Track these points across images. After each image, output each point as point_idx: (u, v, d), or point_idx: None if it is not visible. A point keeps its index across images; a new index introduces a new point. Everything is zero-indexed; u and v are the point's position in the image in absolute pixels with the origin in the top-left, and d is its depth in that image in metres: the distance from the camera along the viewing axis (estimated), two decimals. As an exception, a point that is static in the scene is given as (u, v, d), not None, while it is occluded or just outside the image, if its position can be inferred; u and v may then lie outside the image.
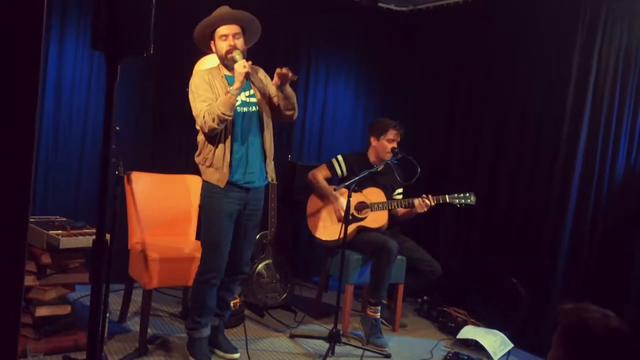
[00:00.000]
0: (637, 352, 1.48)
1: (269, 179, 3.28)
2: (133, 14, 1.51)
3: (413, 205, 3.93)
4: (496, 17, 4.63)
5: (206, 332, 3.17)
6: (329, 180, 4.15)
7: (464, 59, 4.94)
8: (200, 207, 3.18)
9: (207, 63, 3.75)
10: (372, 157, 4.13)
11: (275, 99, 3.21)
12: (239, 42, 3.09)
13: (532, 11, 4.32)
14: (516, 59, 4.44)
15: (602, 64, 3.86)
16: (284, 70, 3.06)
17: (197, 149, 3.16)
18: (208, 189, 3.11)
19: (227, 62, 3.10)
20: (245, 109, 3.10)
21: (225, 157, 3.04)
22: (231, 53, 3.05)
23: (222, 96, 2.98)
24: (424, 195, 3.93)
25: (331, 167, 4.11)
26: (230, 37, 3.07)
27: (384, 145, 4.04)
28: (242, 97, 3.11)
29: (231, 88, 2.96)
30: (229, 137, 3.05)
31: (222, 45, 3.08)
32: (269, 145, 3.22)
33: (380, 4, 5.19)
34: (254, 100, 3.15)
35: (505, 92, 4.53)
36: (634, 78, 3.77)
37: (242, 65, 2.95)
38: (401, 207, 4.00)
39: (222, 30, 3.07)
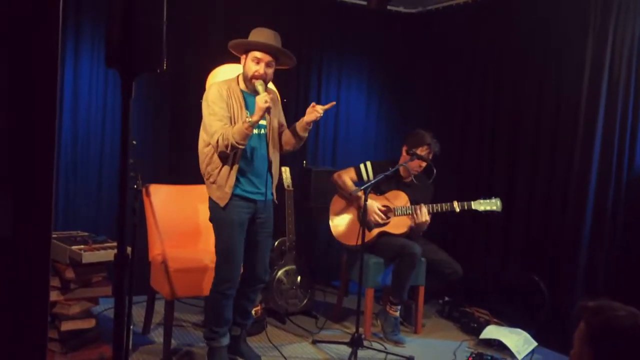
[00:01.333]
0: None
1: (274, 194, 3.28)
2: (145, 32, 1.54)
3: (414, 213, 3.89)
4: (506, 13, 4.61)
5: (225, 341, 3.19)
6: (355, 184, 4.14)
7: (476, 58, 4.93)
8: (210, 219, 3.20)
9: (220, 75, 3.79)
10: (401, 168, 4.01)
11: (284, 131, 3.30)
12: (269, 72, 3.12)
13: (542, 5, 4.30)
14: (528, 55, 4.41)
15: (616, 54, 3.82)
16: (320, 111, 3.12)
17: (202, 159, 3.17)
18: (213, 201, 3.15)
19: (248, 83, 3.13)
20: (255, 131, 3.09)
21: (230, 178, 3.06)
22: (256, 79, 3.06)
23: (239, 124, 2.97)
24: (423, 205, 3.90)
25: (358, 172, 4.09)
26: (263, 65, 3.08)
27: (414, 162, 3.94)
28: None
29: (250, 119, 2.94)
30: (237, 158, 3.06)
31: (251, 67, 3.09)
32: (275, 169, 3.25)
33: (389, 7, 5.19)
34: (264, 123, 3.16)
35: (519, 90, 4.51)
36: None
37: (263, 100, 2.95)
38: (419, 212, 3.92)
39: (257, 54, 3.08)
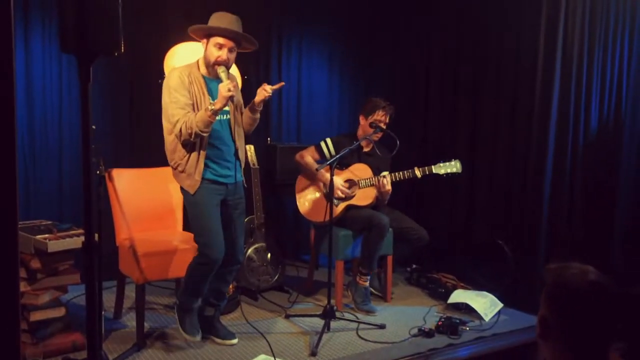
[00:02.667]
0: (615, 302, 1.53)
1: (243, 179, 3.29)
2: (100, 15, 1.51)
3: (377, 184, 3.96)
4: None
5: (197, 304, 3.24)
6: (317, 162, 4.17)
7: (437, 26, 4.99)
8: (185, 206, 3.18)
9: (178, 54, 3.74)
10: (360, 135, 4.13)
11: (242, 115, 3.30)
12: (232, 57, 3.08)
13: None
14: (487, 22, 4.50)
15: (569, 18, 3.91)
16: (269, 90, 3.11)
17: (167, 147, 3.14)
18: (184, 189, 3.14)
19: (210, 69, 3.09)
20: (218, 117, 3.06)
21: (199, 165, 3.05)
22: (218, 65, 3.03)
23: (201, 112, 2.94)
24: (384, 174, 3.97)
25: (319, 150, 4.14)
26: (225, 50, 3.04)
27: (377, 133, 4.03)
28: None
29: (212, 108, 2.92)
30: (203, 145, 3.04)
31: (213, 52, 3.05)
32: (241, 152, 3.25)
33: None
34: (227, 108, 3.14)
35: (479, 59, 4.60)
36: (601, 31, 3.83)
37: (226, 88, 2.91)
38: (382, 183, 3.98)
39: (220, 40, 3.04)
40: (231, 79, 3.06)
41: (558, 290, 1.58)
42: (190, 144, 3.03)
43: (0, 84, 1.16)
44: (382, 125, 4.02)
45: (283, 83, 3.41)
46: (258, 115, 3.28)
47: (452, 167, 3.95)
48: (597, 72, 3.86)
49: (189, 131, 2.93)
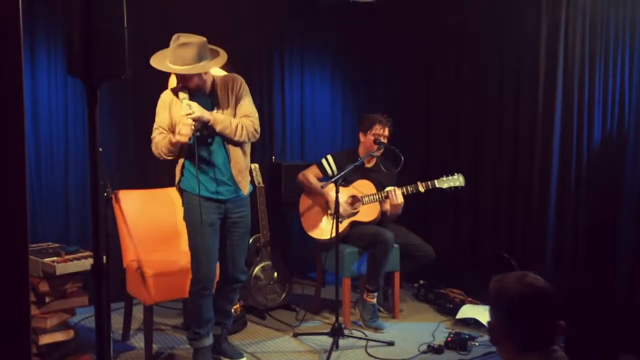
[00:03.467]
0: (552, 302, 1.65)
1: (244, 192, 3.22)
2: (107, 39, 1.54)
3: (388, 197, 3.95)
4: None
5: (208, 341, 3.19)
6: (319, 180, 4.17)
7: (438, 40, 5.02)
8: (184, 219, 3.20)
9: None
10: (361, 152, 4.15)
11: None
12: (195, 81, 3.01)
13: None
14: (488, 34, 4.53)
15: (569, 31, 3.94)
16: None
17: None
18: (186, 199, 3.14)
19: (184, 90, 3.05)
20: (205, 132, 3.06)
21: (190, 181, 3.10)
22: (181, 92, 3.01)
23: (172, 138, 2.99)
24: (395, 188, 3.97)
25: (321, 167, 4.14)
26: (183, 79, 3.02)
27: (370, 141, 4.05)
28: None
29: (174, 139, 2.97)
30: (193, 158, 3.02)
31: (174, 81, 3.14)
32: (238, 162, 3.16)
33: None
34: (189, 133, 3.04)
35: (480, 69, 4.63)
36: (602, 43, 3.84)
37: (184, 113, 2.91)
38: (394, 195, 3.97)
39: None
40: (226, 87, 3.08)
41: (498, 297, 1.71)
42: (179, 159, 3.11)
43: (10, 109, 1.18)
44: (383, 140, 4.02)
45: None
46: (221, 130, 3.07)
47: (455, 180, 3.95)
48: (599, 84, 3.86)
49: (157, 151, 3.07)
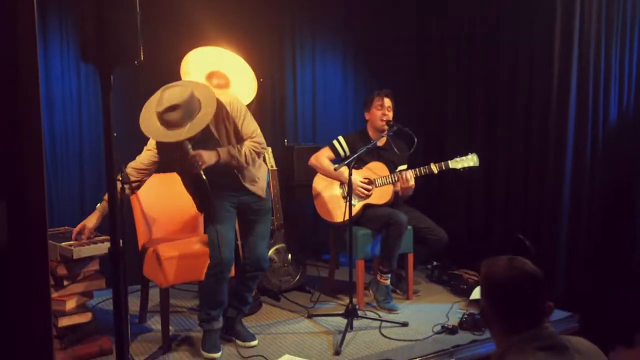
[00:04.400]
0: (539, 285, 1.68)
1: (262, 195, 3.23)
2: (119, 25, 1.54)
3: (399, 179, 3.96)
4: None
5: (217, 324, 3.22)
6: (332, 162, 4.18)
7: (451, 20, 4.97)
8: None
9: (192, 59, 3.77)
10: (370, 131, 4.15)
11: None
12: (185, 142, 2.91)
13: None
14: (501, 12, 4.49)
15: (585, 7, 3.87)
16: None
17: None
18: None
19: None
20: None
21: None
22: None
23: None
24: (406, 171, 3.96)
25: (333, 149, 4.14)
26: None
27: (375, 114, 4.07)
28: None
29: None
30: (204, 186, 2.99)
31: None
32: (249, 176, 3.16)
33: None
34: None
35: (493, 47, 4.58)
36: (618, 20, 3.78)
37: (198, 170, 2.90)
38: (405, 178, 3.97)
39: None
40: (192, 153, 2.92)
41: (488, 281, 1.74)
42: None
43: (26, 97, 1.19)
44: (388, 111, 4.03)
45: None
46: (233, 165, 3.08)
47: (469, 160, 3.93)
48: (616, 61, 3.81)
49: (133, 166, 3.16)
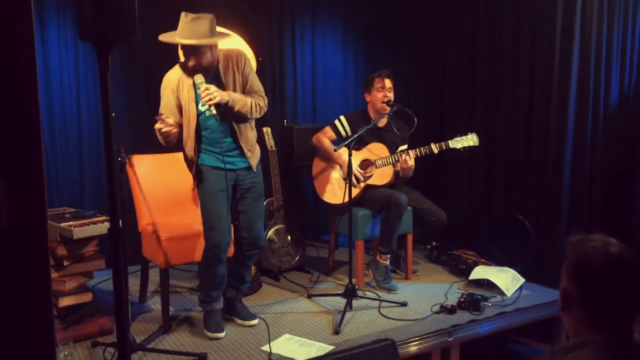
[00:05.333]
0: (636, 276, 1.51)
1: (254, 167, 3.24)
2: (118, 3, 1.52)
3: (399, 160, 3.96)
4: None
5: (218, 305, 3.24)
6: (334, 142, 4.17)
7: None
8: (196, 188, 3.22)
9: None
10: (371, 112, 4.13)
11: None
12: (207, 57, 3.00)
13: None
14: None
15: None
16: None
17: None
18: (197, 172, 3.17)
19: (193, 71, 3.03)
20: (203, 109, 3.06)
21: (194, 152, 3.11)
22: (195, 74, 3.00)
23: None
24: (409, 152, 3.95)
25: (335, 129, 4.13)
26: (193, 57, 2.99)
27: (375, 96, 4.04)
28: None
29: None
30: (194, 136, 3.07)
31: (185, 58, 3.07)
32: (248, 139, 3.18)
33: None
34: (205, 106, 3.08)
35: (496, 30, 4.55)
36: (620, 2, 3.75)
37: (206, 99, 2.92)
38: (404, 159, 3.97)
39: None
40: (206, 85, 2.98)
41: (579, 264, 1.56)
42: (183, 136, 3.10)
43: (23, 76, 1.18)
44: (389, 92, 4.01)
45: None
46: (239, 109, 3.09)
47: (469, 140, 3.92)
48: (618, 40, 3.78)
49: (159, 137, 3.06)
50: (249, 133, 3.21)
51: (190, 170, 3.19)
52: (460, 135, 3.93)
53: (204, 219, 3.16)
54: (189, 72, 3.06)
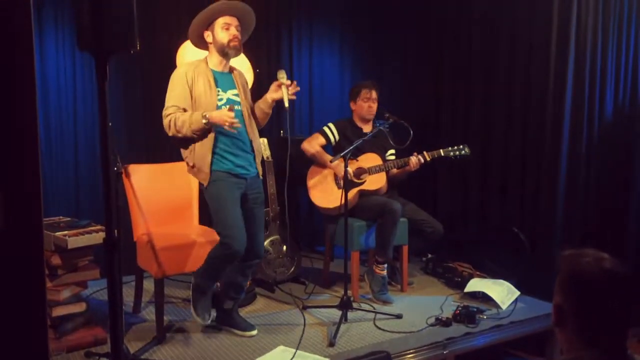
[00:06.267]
0: (631, 290, 1.51)
1: (260, 172, 3.32)
2: (116, 12, 1.52)
3: (408, 164, 4.00)
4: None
5: (210, 292, 3.28)
6: (324, 149, 4.20)
7: (449, 12, 4.97)
8: (207, 199, 3.19)
9: (189, 48, 3.74)
10: (357, 121, 4.24)
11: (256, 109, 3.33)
12: (243, 38, 3.17)
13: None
14: (500, 4, 4.48)
15: (582, 7, 3.87)
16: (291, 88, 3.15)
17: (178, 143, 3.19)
18: (213, 177, 3.14)
19: (228, 50, 3.12)
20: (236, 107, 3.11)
21: (206, 158, 3.08)
22: (235, 45, 3.12)
23: (197, 116, 2.98)
24: (415, 153, 3.99)
25: (325, 135, 4.19)
26: (234, 28, 3.10)
27: (361, 106, 4.17)
28: (229, 94, 3.19)
29: (209, 117, 2.96)
30: (212, 136, 3.07)
31: (223, 36, 3.10)
32: (257, 145, 3.28)
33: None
34: (238, 99, 3.20)
35: (491, 40, 4.59)
36: (615, 13, 3.79)
37: (226, 118, 2.95)
38: (397, 167, 4.07)
39: (224, 19, 3.10)
40: (241, 76, 3.17)
41: (573, 279, 1.56)
42: (195, 138, 3.07)
43: (22, 86, 1.18)
44: (372, 104, 4.14)
45: (298, 89, 3.29)
46: (270, 111, 3.33)
47: (461, 150, 4.00)
48: (612, 56, 3.82)
49: (179, 129, 3.00)
50: (258, 138, 3.33)
51: (197, 175, 3.16)
52: (453, 146, 4.02)
53: (220, 227, 3.10)
54: (213, 63, 3.15)
